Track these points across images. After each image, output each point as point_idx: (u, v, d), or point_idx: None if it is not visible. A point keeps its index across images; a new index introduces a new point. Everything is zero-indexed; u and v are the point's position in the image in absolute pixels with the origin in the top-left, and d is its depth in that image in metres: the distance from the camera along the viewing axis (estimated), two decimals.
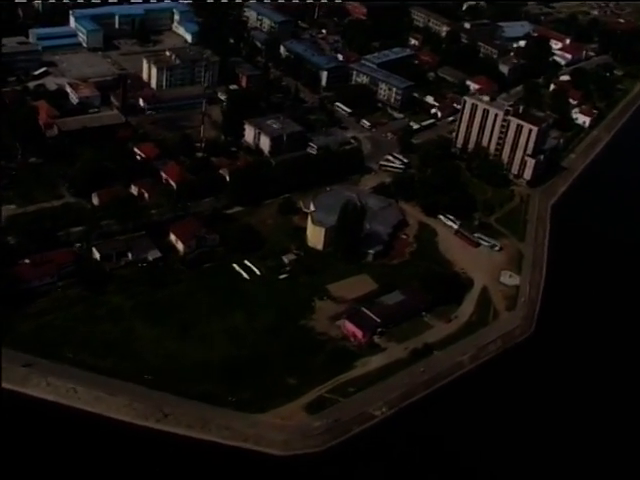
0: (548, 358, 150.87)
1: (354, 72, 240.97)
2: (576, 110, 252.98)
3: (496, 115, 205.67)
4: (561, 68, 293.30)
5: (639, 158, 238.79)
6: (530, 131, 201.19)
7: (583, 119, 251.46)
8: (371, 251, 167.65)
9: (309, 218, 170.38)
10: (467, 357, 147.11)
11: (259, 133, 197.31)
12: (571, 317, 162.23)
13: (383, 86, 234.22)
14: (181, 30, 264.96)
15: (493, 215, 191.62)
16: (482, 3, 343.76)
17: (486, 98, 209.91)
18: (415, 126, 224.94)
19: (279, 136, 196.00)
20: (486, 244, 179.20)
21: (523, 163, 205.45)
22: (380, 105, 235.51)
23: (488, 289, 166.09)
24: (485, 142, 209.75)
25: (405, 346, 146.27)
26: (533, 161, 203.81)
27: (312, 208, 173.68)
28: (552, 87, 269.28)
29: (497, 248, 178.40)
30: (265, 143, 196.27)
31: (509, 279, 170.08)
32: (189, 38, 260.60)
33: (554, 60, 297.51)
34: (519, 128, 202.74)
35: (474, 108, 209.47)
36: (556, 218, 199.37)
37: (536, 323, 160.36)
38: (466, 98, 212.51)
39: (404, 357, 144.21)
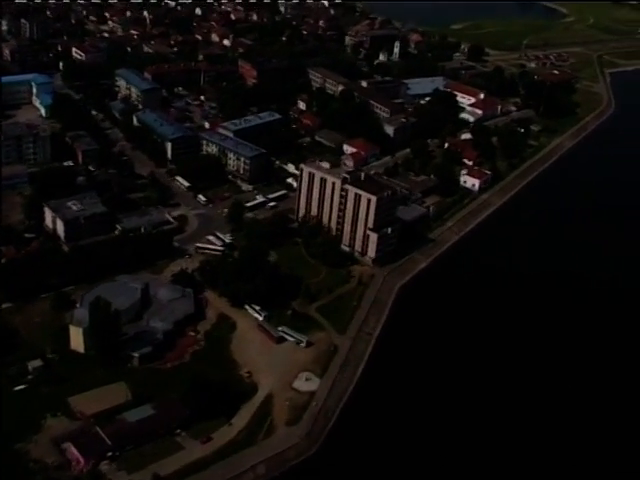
0: None
1: (204, 142, 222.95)
2: (464, 172, 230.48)
3: (334, 184, 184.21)
4: (468, 125, 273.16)
5: (528, 226, 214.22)
6: (369, 201, 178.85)
7: (472, 182, 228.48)
8: (136, 354, 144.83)
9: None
10: None
11: (55, 216, 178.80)
12: (375, 431, 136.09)
13: (232, 156, 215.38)
14: (38, 103, 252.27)
15: (317, 302, 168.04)
16: (396, 59, 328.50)
17: (326, 165, 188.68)
18: (259, 199, 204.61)
19: (75, 219, 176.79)
20: (291, 339, 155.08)
21: (366, 238, 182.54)
22: (231, 177, 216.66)
23: (273, 397, 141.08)
24: (326, 215, 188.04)
25: (134, 477, 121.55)
26: (376, 236, 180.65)
27: (78, 305, 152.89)
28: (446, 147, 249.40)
29: (303, 344, 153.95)
30: (60, 227, 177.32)
31: (305, 383, 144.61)
32: (43, 112, 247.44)
33: (461, 117, 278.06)
34: (358, 198, 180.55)
35: (312, 177, 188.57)
36: (401, 302, 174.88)
37: (324, 440, 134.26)
38: (303, 166, 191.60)
39: None
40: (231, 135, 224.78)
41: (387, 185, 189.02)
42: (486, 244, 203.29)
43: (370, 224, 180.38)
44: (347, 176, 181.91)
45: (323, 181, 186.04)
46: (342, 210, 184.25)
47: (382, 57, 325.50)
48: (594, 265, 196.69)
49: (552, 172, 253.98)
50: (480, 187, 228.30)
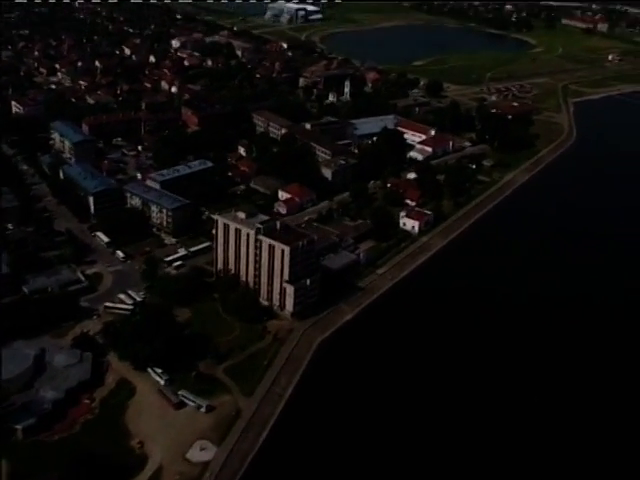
0: None
1: (129, 194, 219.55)
2: (403, 214, 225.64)
3: (248, 235, 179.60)
4: (417, 164, 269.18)
5: (468, 269, 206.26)
6: (283, 252, 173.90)
7: (412, 224, 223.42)
8: (19, 426, 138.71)
9: None
10: None
11: None
12: None
13: (154, 208, 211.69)
14: None
15: (226, 362, 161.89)
16: (347, 99, 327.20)
17: (241, 215, 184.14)
18: (181, 252, 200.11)
19: None
20: (192, 404, 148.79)
21: (283, 291, 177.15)
22: (155, 230, 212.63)
23: (162, 470, 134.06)
24: (242, 268, 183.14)
25: None
26: (292, 288, 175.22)
27: None
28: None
29: (203, 409, 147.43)
30: None
31: (199, 453, 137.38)
32: None
33: (410, 156, 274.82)
34: (272, 249, 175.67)
35: (227, 228, 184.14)
36: (320, 359, 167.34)
37: None
38: (217, 217, 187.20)
39: None
40: (157, 186, 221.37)
41: (304, 234, 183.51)
42: (420, 291, 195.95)
43: (286, 276, 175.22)
44: (260, 226, 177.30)
45: (238, 232, 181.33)
46: (258, 262, 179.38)
47: (331, 97, 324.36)
48: (537, 309, 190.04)
49: (501, 209, 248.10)
50: (420, 229, 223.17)
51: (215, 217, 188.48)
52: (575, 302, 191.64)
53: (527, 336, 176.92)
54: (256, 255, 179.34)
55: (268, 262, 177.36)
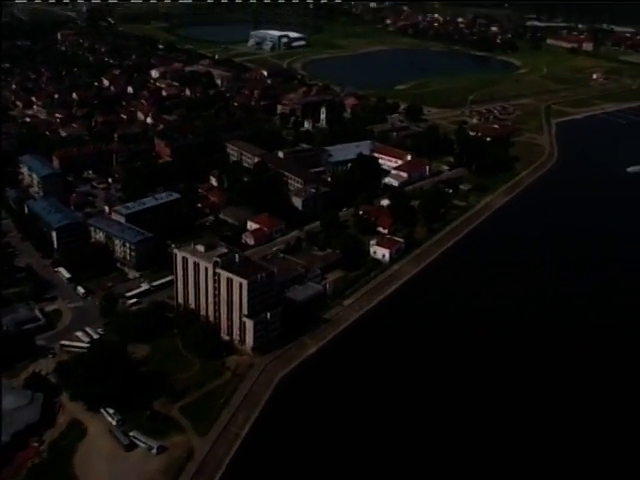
0: None
1: (93, 228, 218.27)
2: (373, 242, 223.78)
3: (206, 269, 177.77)
4: (391, 190, 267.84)
5: (439, 298, 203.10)
6: (241, 285, 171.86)
7: (382, 252, 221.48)
8: None
9: None
10: None
11: None
12: None
13: (118, 242, 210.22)
14: None
15: (182, 400, 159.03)
16: (323, 125, 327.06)
17: (200, 248, 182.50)
18: (143, 287, 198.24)
19: None
20: (143, 445, 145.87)
21: (242, 325, 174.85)
22: (119, 264, 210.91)
23: None
24: (202, 303, 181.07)
25: None
26: (252, 322, 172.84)
27: None
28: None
29: (154, 451, 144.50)
30: None
31: None
32: None
33: (385, 182, 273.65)
34: (230, 282, 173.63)
35: (185, 262, 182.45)
36: (280, 395, 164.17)
37: None
38: (176, 251, 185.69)
39: None
40: (122, 219, 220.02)
41: (263, 266, 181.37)
42: (388, 322, 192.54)
43: (245, 310, 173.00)
44: (218, 260, 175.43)
45: (196, 266, 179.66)
46: (217, 296, 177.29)
47: (307, 124, 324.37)
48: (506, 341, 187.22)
49: (476, 234, 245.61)
50: (391, 257, 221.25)
51: (174, 251, 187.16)
52: (553, 329, 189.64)
53: (503, 366, 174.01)
54: (215, 289, 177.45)
55: (227, 296, 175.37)
